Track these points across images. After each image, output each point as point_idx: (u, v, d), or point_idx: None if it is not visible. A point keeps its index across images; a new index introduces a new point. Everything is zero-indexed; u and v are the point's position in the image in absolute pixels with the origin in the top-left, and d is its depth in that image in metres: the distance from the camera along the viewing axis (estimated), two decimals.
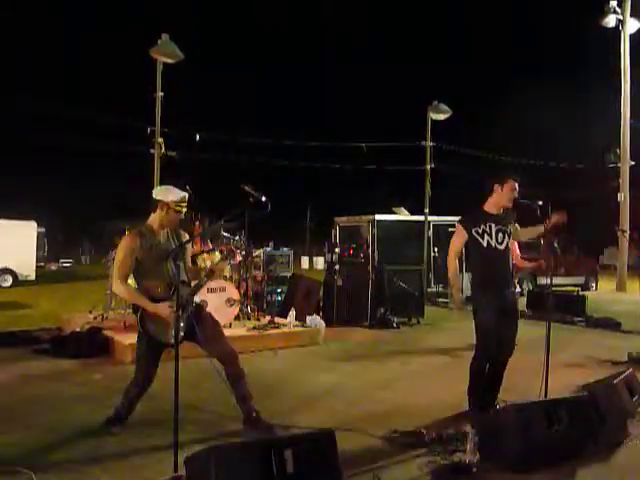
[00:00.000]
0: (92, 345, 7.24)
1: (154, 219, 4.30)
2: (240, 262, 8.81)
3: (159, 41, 12.88)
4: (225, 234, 8.59)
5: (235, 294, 8.03)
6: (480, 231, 4.78)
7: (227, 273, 8.44)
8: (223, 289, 8.02)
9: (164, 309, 4.07)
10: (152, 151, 13.41)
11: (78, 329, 7.74)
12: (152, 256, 4.20)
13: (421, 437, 4.28)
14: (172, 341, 3.94)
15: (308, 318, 8.67)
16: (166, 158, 13.11)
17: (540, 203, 4.82)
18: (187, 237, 4.48)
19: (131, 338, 7.26)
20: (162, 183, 13.53)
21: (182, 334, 4.06)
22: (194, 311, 4.32)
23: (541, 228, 4.90)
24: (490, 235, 4.74)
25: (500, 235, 4.73)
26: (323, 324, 8.57)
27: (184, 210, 4.29)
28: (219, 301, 7.92)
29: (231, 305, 7.96)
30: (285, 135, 15.88)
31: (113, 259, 8.94)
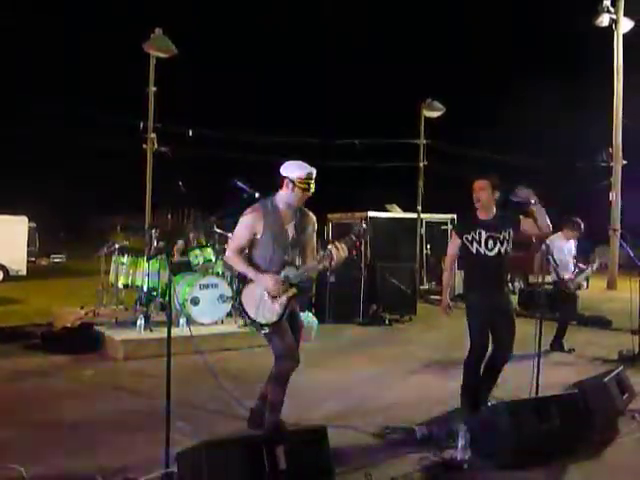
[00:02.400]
0: (83, 341, 7.21)
1: (281, 197, 4.08)
2: None
3: (152, 35, 12.82)
4: (218, 230, 8.55)
5: (228, 291, 8.00)
6: (470, 238, 4.89)
7: (220, 269, 8.43)
8: (215, 285, 8.00)
9: (269, 280, 3.93)
10: (145, 147, 13.36)
11: (69, 325, 7.71)
12: (270, 235, 4.03)
13: (412, 434, 4.30)
14: (263, 321, 3.94)
15: (300, 315, 8.65)
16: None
17: (532, 201, 4.82)
18: (314, 221, 4.28)
19: (123, 334, 7.25)
20: (155, 179, 13.50)
21: (277, 318, 3.99)
22: (291, 313, 4.15)
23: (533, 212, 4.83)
24: (479, 242, 4.84)
25: (490, 242, 4.82)
26: (315, 321, 8.57)
27: (312, 187, 4.03)
28: (211, 297, 7.90)
29: (223, 302, 7.94)
30: (278, 132, 15.84)
31: (105, 254, 8.95)
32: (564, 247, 7.78)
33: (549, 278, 8.09)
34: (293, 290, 4.03)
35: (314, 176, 4.04)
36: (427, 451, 4.01)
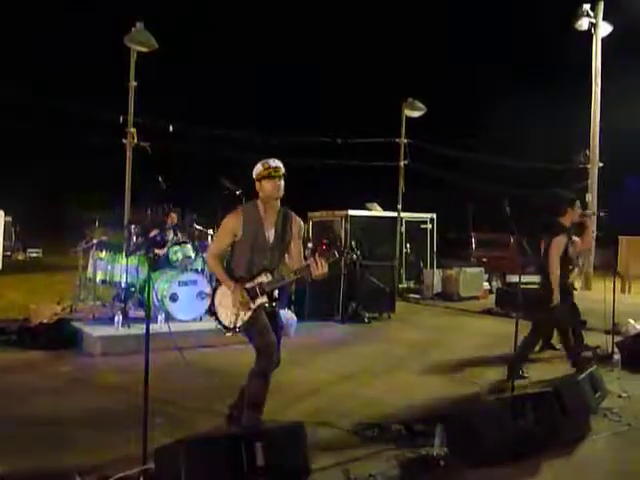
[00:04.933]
0: (60, 336, 7.15)
1: (260, 199, 4.12)
2: None
3: (133, 29, 12.69)
4: (198, 227, 8.52)
5: (207, 287, 7.98)
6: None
7: (199, 266, 8.40)
8: (194, 282, 7.98)
9: (239, 293, 3.97)
10: (124, 141, 13.23)
11: (46, 320, 7.62)
12: (249, 239, 4.06)
13: (390, 431, 4.34)
14: (231, 326, 4.00)
15: (280, 312, 8.66)
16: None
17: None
18: (299, 224, 4.27)
19: (100, 330, 7.20)
20: (134, 174, 13.38)
21: (243, 321, 4.02)
22: (271, 311, 4.17)
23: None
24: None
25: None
26: (295, 318, 8.58)
27: (277, 176, 4.02)
28: (190, 294, 7.87)
29: (202, 298, 7.91)
30: (261, 130, 15.80)
31: (83, 250, 8.86)
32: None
33: (527, 279, 8.17)
34: (264, 299, 4.06)
35: (273, 164, 4.05)
36: (404, 448, 4.05)
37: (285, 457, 3.11)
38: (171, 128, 13.31)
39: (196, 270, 8.29)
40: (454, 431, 3.96)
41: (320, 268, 3.85)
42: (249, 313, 4.03)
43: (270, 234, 4.12)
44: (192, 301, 7.86)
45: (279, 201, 4.17)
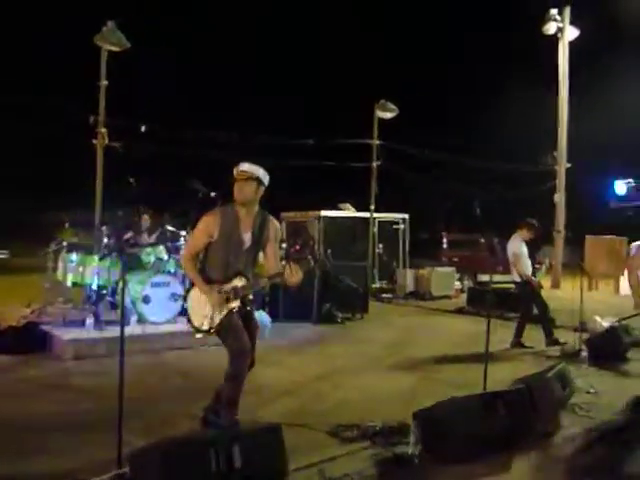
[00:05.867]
0: (29, 340, 7.01)
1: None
2: None
3: (104, 28, 12.54)
4: (170, 228, 8.45)
5: (180, 289, 7.92)
6: None
7: (172, 268, 8.33)
8: (167, 284, 7.91)
9: (212, 296, 4.00)
10: (95, 141, 13.04)
11: (15, 324, 7.48)
12: (224, 241, 4.07)
13: (365, 430, 4.37)
14: (204, 328, 4.01)
15: (255, 314, 8.65)
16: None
17: None
18: (276, 227, 4.30)
19: (72, 333, 7.09)
20: (105, 174, 13.21)
21: (217, 321, 4.02)
22: (244, 312, 4.17)
23: None
24: None
25: None
26: (269, 319, 8.58)
27: (241, 180, 4.05)
28: (163, 296, 7.80)
29: (175, 300, 7.85)
30: (234, 130, 15.71)
31: (53, 251, 8.71)
32: (523, 248, 8.02)
33: (499, 277, 8.33)
34: (237, 303, 4.07)
35: (240, 168, 4.07)
36: (380, 447, 4.09)
37: (263, 458, 3.11)
38: (143, 128, 13.17)
39: (169, 272, 8.22)
40: (428, 429, 4.01)
41: (294, 275, 3.89)
42: (222, 316, 4.03)
43: (246, 237, 4.13)
44: (165, 303, 7.79)
45: (257, 204, 4.18)
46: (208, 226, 4.08)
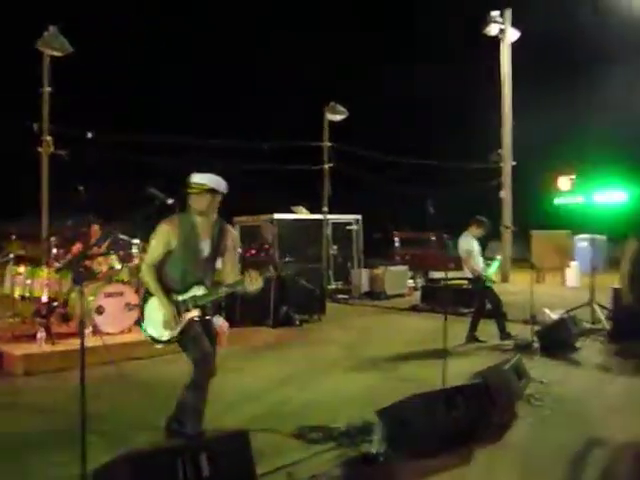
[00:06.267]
0: None
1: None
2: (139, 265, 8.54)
3: (46, 33, 12.20)
4: (123, 237, 8.29)
5: (134, 298, 7.78)
6: None
7: (125, 277, 8.18)
8: (121, 293, 7.76)
9: (170, 309, 3.97)
10: (40, 149, 12.66)
11: None
12: (183, 250, 4.02)
13: (330, 431, 4.40)
14: (163, 338, 3.97)
15: (214, 322, 8.57)
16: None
17: None
18: (233, 236, 4.26)
19: (22, 348, 6.87)
20: (51, 183, 12.83)
21: (176, 332, 3.98)
22: (204, 321, 4.13)
23: None
24: None
25: None
26: (226, 325, 8.51)
27: (194, 192, 4.00)
28: (117, 306, 7.65)
29: (130, 310, 7.71)
30: (185, 134, 15.52)
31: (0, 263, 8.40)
32: (475, 245, 8.21)
33: (451, 274, 8.51)
34: (196, 313, 4.04)
35: (193, 180, 4.03)
36: (345, 447, 4.14)
37: (231, 466, 3.10)
38: (90, 135, 12.86)
39: (122, 281, 8.07)
40: (392, 426, 4.07)
41: (254, 283, 3.89)
42: (181, 325, 4.00)
43: (205, 245, 4.10)
44: (120, 313, 7.64)
45: (215, 212, 4.16)
46: (165, 235, 4.04)
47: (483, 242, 8.55)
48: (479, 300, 8.33)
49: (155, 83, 32.14)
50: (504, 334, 8.15)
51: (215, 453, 3.06)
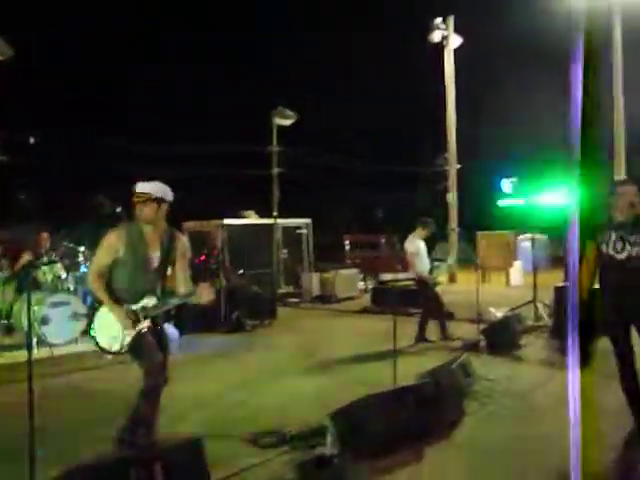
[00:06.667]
0: None
1: None
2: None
3: None
4: (69, 245, 8.10)
5: (81, 308, 7.62)
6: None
7: (71, 285, 8.00)
8: (67, 303, 7.60)
9: (122, 316, 3.90)
10: None
11: None
12: (132, 260, 3.96)
13: (283, 435, 4.43)
14: (112, 349, 3.91)
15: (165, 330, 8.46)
16: None
17: None
18: (185, 245, 4.21)
19: None
20: None
21: (126, 343, 3.94)
22: (155, 329, 4.08)
23: None
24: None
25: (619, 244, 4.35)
26: (177, 332, 8.42)
27: (139, 201, 3.97)
28: (63, 316, 7.48)
29: (77, 319, 7.55)
30: (132, 140, 15.24)
31: None
32: (421, 246, 8.38)
33: (401, 276, 8.66)
34: (147, 323, 4.01)
35: (138, 189, 4.01)
36: (299, 450, 4.18)
37: (185, 474, 3.10)
38: (32, 140, 12.47)
39: (68, 290, 7.89)
40: (345, 428, 4.14)
41: (206, 295, 3.90)
42: (132, 335, 3.96)
43: (154, 255, 4.07)
44: (66, 323, 7.48)
45: (164, 221, 4.12)
46: (112, 244, 3.99)
47: (432, 244, 8.75)
48: (425, 301, 8.50)
49: (103, 88, 31.47)
50: (445, 335, 8.33)
51: (169, 462, 3.05)
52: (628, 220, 4.30)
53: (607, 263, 4.32)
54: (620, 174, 14.10)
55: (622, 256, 4.26)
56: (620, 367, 4.37)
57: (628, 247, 4.24)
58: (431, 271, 8.50)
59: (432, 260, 8.70)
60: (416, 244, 8.33)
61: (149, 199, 3.98)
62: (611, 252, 4.30)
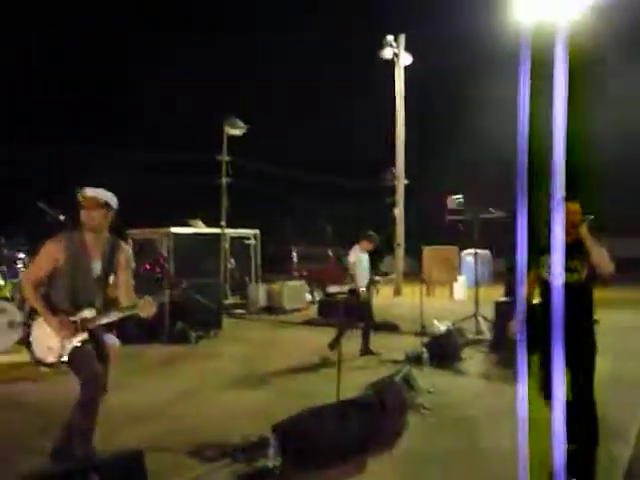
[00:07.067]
0: None
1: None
2: None
3: None
4: (7, 252, 7.83)
5: (18, 316, 7.36)
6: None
7: (8, 293, 7.72)
8: (3, 310, 7.33)
9: (58, 326, 3.78)
10: None
11: None
12: (72, 270, 3.82)
13: (225, 448, 4.40)
14: (48, 360, 3.80)
15: (106, 340, 8.25)
16: None
17: None
18: (127, 255, 4.09)
19: None
20: None
21: (62, 355, 3.82)
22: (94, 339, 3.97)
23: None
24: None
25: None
26: (117, 342, 8.21)
27: (89, 207, 3.85)
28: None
29: (13, 328, 7.29)
30: (75, 144, 14.86)
31: None
32: (363, 259, 8.47)
33: (347, 288, 8.71)
34: (84, 336, 3.91)
35: (87, 194, 3.91)
36: (240, 463, 4.15)
37: None
38: None
39: (5, 298, 7.61)
40: (287, 440, 4.14)
41: (148, 308, 3.84)
42: (70, 347, 3.86)
43: (96, 265, 3.97)
44: (1, 331, 7.20)
45: (107, 229, 4.03)
46: (52, 253, 3.86)
47: (378, 257, 8.85)
48: (365, 313, 8.52)
49: (38, 92, 30.64)
50: (365, 349, 8.37)
51: (108, 474, 2.98)
52: (568, 242, 3.71)
53: (544, 289, 4.03)
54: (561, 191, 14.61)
55: (560, 282, 3.89)
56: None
57: (567, 273, 3.78)
58: (369, 286, 8.54)
59: (373, 274, 8.78)
60: (357, 256, 8.41)
61: (99, 205, 3.90)
62: (549, 278, 3.75)
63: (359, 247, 8.53)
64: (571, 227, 3.84)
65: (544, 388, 3.82)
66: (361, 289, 8.31)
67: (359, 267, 8.37)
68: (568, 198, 3.81)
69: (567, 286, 3.59)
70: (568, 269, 3.79)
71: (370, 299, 8.65)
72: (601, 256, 3.93)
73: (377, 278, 8.93)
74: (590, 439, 3.90)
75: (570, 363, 3.47)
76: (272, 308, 14.27)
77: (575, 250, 3.89)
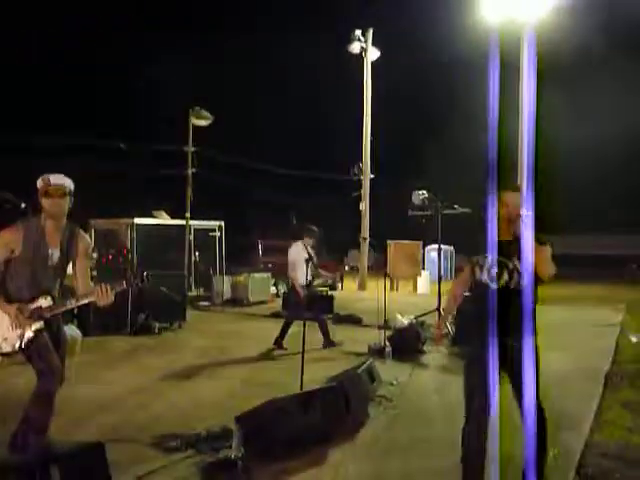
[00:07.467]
0: None
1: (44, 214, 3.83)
2: None
3: None
4: None
5: None
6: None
7: None
8: None
9: (13, 314, 3.71)
10: None
11: None
12: (28, 258, 3.75)
13: (188, 438, 4.39)
14: (4, 350, 3.74)
15: (64, 329, 8.11)
16: None
17: None
18: (86, 243, 4.03)
19: None
20: None
21: (18, 344, 3.74)
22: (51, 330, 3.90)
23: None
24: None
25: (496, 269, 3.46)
26: (79, 334, 8.10)
27: (55, 195, 3.76)
28: None
29: None
30: (37, 130, 14.49)
31: None
32: (303, 254, 8.38)
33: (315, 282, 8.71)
34: (40, 325, 3.84)
35: (53, 182, 3.82)
36: (203, 453, 4.16)
37: (86, 479, 3.02)
38: None
39: None
40: (249, 430, 4.17)
41: (105, 297, 3.77)
42: (26, 337, 3.80)
43: (54, 253, 3.90)
44: None
45: (65, 217, 3.95)
46: (8, 242, 3.78)
47: (319, 251, 8.79)
48: (320, 306, 8.47)
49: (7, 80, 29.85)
50: (326, 342, 8.39)
51: (68, 466, 2.96)
52: (507, 239, 3.41)
53: (480, 291, 3.47)
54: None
55: (496, 285, 3.39)
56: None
57: (505, 275, 3.37)
58: (311, 282, 8.47)
59: (314, 269, 8.65)
60: (299, 251, 8.32)
61: (65, 193, 3.84)
62: (484, 279, 3.45)
63: (300, 242, 8.49)
64: (506, 223, 3.39)
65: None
66: (302, 284, 8.16)
67: (297, 263, 8.22)
68: (509, 188, 3.40)
69: (502, 290, 3.25)
70: (504, 270, 3.36)
71: (322, 293, 8.62)
72: (542, 259, 3.32)
73: (322, 272, 8.95)
74: (540, 445, 3.43)
75: (509, 370, 3.38)
76: (237, 300, 14.22)
77: (512, 249, 3.34)
